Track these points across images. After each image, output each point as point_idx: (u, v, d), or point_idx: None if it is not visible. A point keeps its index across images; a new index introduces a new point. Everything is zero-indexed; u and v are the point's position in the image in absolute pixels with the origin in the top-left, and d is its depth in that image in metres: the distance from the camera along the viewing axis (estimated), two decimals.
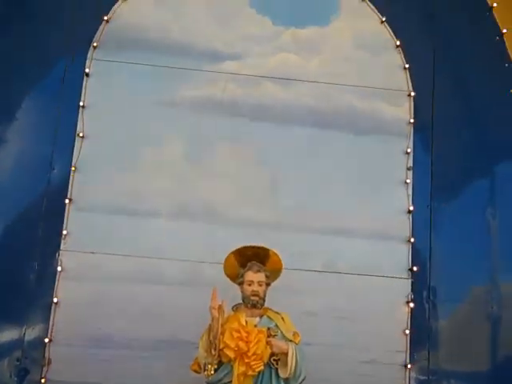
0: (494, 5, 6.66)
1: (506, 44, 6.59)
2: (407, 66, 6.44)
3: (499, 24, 6.65)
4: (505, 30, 6.59)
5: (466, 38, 6.59)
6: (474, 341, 6.01)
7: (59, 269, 5.71)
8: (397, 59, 6.51)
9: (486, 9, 6.69)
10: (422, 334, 5.90)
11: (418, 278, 5.97)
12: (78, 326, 5.63)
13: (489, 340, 6.04)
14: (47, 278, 5.69)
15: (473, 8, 6.70)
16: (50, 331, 5.61)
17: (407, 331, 5.86)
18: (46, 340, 5.59)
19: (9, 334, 5.62)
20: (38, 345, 5.61)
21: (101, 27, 6.32)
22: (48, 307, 5.63)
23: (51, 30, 6.32)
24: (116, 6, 6.39)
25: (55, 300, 5.63)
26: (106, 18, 6.28)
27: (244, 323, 4.77)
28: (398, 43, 6.50)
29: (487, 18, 6.67)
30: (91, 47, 6.25)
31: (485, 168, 6.33)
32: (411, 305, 5.91)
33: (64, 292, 5.68)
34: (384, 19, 6.55)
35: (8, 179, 5.94)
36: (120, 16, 6.40)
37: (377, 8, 6.61)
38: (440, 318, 5.95)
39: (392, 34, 6.56)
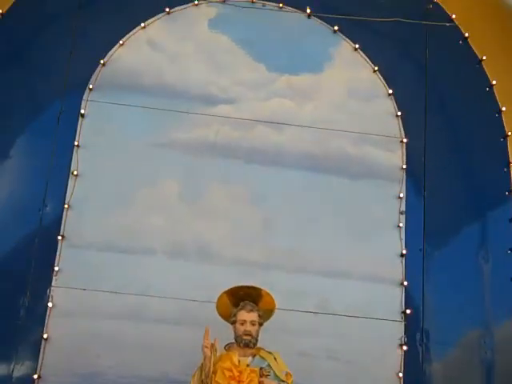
0: (484, 58, 6.81)
1: (496, 94, 6.73)
2: (399, 113, 6.54)
3: (488, 75, 6.80)
4: (494, 82, 6.73)
5: (456, 87, 6.73)
6: None
7: (50, 305, 5.65)
8: (389, 107, 6.62)
9: (476, 61, 6.84)
10: (415, 377, 5.85)
11: (411, 320, 5.94)
12: (67, 362, 5.55)
13: None
14: (38, 313, 5.62)
15: (463, 60, 6.86)
16: (39, 368, 5.53)
17: (400, 374, 5.80)
18: (35, 376, 5.50)
19: None
20: (27, 381, 5.52)
21: (97, 70, 6.40)
22: (38, 343, 5.56)
23: (48, 71, 6.40)
24: (113, 50, 6.48)
25: (45, 336, 5.56)
26: (102, 61, 6.37)
27: (236, 362, 4.73)
28: (390, 91, 6.61)
29: (477, 70, 6.83)
30: (87, 89, 6.31)
31: (477, 212, 6.38)
32: (404, 348, 5.87)
33: (54, 328, 5.61)
34: (376, 68, 6.68)
35: (1, 216, 5.92)
36: (116, 60, 6.50)
37: (369, 57, 6.75)
38: (433, 362, 5.91)
39: (384, 82, 6.68)
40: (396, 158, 6.46)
